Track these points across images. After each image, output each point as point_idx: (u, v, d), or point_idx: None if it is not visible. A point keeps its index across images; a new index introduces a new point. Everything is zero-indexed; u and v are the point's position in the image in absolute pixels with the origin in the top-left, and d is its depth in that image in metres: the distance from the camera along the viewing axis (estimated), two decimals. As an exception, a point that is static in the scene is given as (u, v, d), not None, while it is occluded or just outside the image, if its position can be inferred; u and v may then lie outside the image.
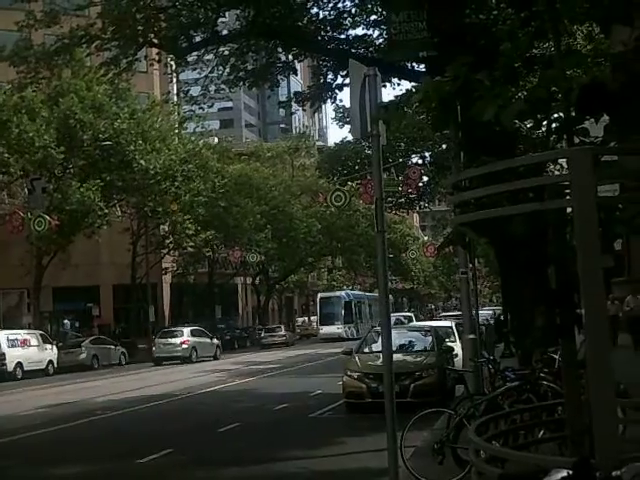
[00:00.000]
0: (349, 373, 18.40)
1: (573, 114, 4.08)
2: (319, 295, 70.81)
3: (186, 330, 44.20)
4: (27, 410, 22.05)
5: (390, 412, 7.91)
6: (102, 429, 18.15)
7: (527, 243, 4.54)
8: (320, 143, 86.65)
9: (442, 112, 4.71)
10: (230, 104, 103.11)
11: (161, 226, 50.25)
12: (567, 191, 3.92)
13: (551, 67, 4.63)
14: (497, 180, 4.05)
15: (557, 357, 11.29)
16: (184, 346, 42.50)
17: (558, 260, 4.24)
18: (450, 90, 4.21)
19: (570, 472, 3.15)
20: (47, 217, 32.76)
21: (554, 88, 4.29)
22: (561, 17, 4.91)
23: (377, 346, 19.41)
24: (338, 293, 70.76)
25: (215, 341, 45.92)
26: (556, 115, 4.39)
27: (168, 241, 51.12)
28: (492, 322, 38.47)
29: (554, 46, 5.04)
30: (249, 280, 69.16)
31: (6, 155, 32.44)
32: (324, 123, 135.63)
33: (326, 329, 63.66)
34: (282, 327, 62.14)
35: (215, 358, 43.86)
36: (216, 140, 59.95)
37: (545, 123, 4.27)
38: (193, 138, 50.17)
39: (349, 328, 63.33)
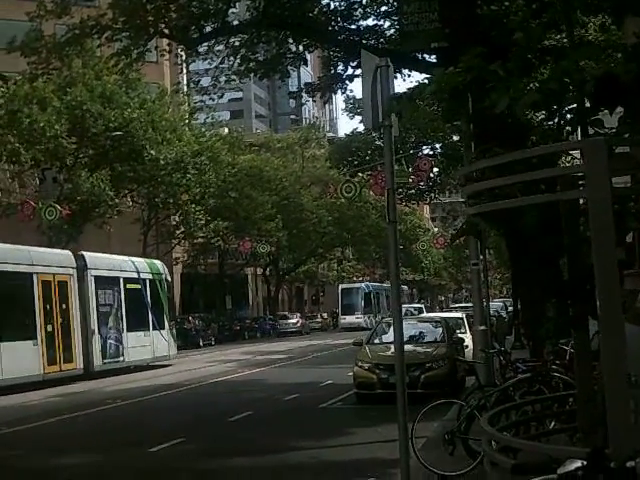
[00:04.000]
0: (360, 364, 18.43)
1: (587, 105, 4.08)
2: (340, 286, 73.10)
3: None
4: (37, 399, 22.15)
5: (402, 403, 7.92)
6: (113, 418, 18.21)
7: (539, 234, 4.54)
8: (330, 134, 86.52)
9: (454, 103, 4.71)
10: (240, 95, 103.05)
11: (172, 216, 50.27)
12: (581, 182, 3.92)
13: (563, 58, 4.61)
14: (509, 171, 4.05)
15: (568, 349, 11.30)
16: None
17: (572, 251, 4.24)
18: (463, 81, 4.21)
19: (584, 462, 3.16)
20: (58, 206, 32.82)
21: (567, 79, 4.28)
22: (574, 8, 4.90)
23: (387, 337, 19.44)
24: (358, 285, 73.91)
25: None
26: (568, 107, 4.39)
27: (179, 231, 51.15)
28: (503, 314, 38.48)
29: (567, 37, 5.03)
30: (259, 271, 69.31)
31: (17, 145, 32.46)
32: (334, 114, 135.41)
33: (347, 319, 67.00)
34: (318, 315, 74.42)
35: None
36: (226, 131, 59.92)
37: (559, 114, 4.27)
38: (204, 129, 50.12)
39: (368, 318, 65.56)
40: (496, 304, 44.03)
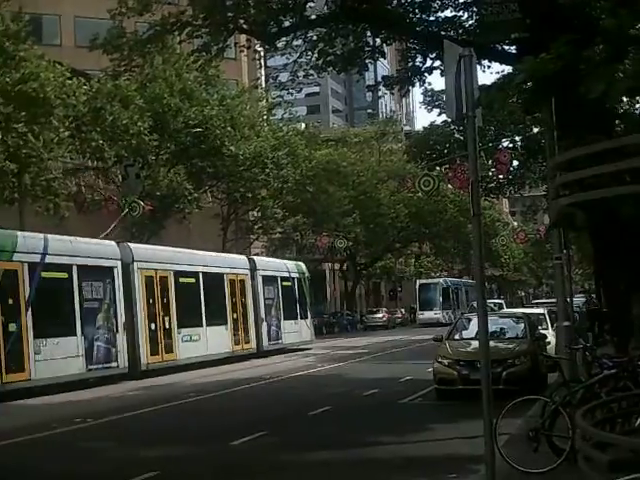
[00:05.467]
0: (440, 359, 18.27)
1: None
2: (418, 282, 72.96)
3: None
4: (118, 392, 22.53)
5: (487, 399, 7.80)
6: (194, 411, 18.41)
7: (632, 226, 4.41)
8: (407, 128, 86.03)
9: (541, 92, 4.59)
10: (317, 89, 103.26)
11: (250, 212, 50.64)
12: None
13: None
14: (598, 161, 3.92)
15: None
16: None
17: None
18: (555, 68, 4.09)
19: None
20: (141, 202, 33.33)
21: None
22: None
23: (467, 333, 19.25)
24: (436, 280, 73.60)
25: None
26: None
27: (257, 227, 51.51)
28: (585, 309, 37.76)
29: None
30: (337, 266, 69.37)
31: (101, 142, 33.00)
32: (411, 107, 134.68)
33: (425, 314, 67.36)
34: (398, 310, 74.81)
35: None
36: (304, 126, 60.07)
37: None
38: (281, 124, 50.33)
39: (447, 313, 65.36)
40: (578, 300, 43.24)
